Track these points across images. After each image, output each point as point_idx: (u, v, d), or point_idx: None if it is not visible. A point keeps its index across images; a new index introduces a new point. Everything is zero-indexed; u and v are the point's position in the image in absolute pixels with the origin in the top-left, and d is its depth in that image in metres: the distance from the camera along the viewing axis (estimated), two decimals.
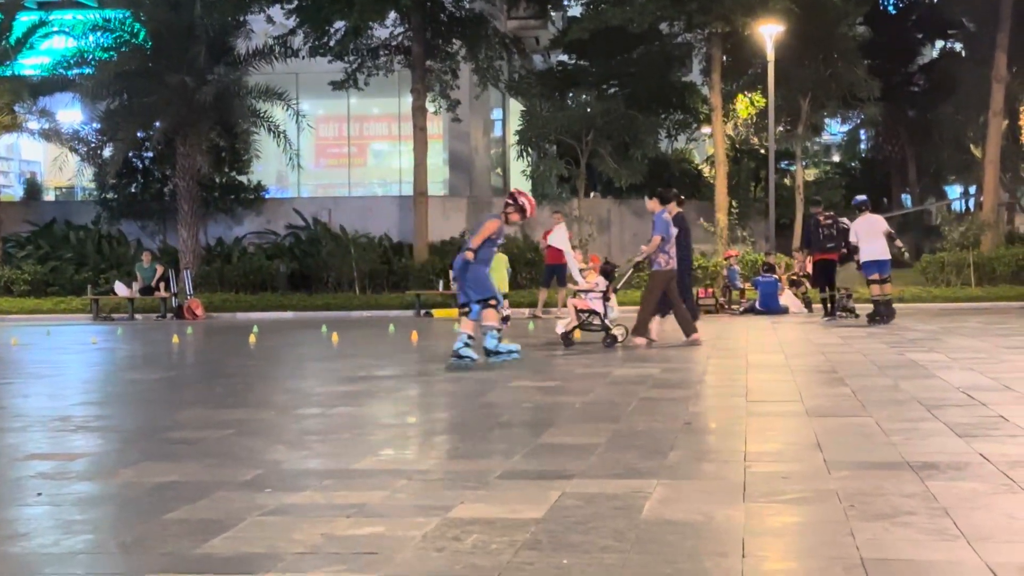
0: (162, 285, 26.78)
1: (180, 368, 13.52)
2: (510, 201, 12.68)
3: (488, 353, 12.10)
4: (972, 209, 41.04)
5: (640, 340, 14.58)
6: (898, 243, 19.29)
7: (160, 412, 8.98)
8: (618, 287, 15.59)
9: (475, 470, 5.93)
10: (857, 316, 19.98)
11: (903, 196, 44.06)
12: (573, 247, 16.72)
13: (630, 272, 16.24)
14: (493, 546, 4.34)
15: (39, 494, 5.55)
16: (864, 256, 18.48)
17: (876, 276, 18.41)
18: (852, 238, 18.76)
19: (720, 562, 4.07)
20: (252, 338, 17.21)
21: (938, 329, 16.98)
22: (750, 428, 7.26)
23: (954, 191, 48.81)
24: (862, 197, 19.29)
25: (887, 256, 18.51)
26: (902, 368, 11.05)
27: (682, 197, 16.07)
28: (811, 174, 40.06)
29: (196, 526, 4.77)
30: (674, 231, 14.64)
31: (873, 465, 5.88)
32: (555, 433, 7.19)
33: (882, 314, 18.46)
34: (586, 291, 14.92)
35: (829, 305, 20.04)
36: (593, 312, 14.74)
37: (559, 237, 17.88)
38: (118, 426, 8.29)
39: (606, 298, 14.81)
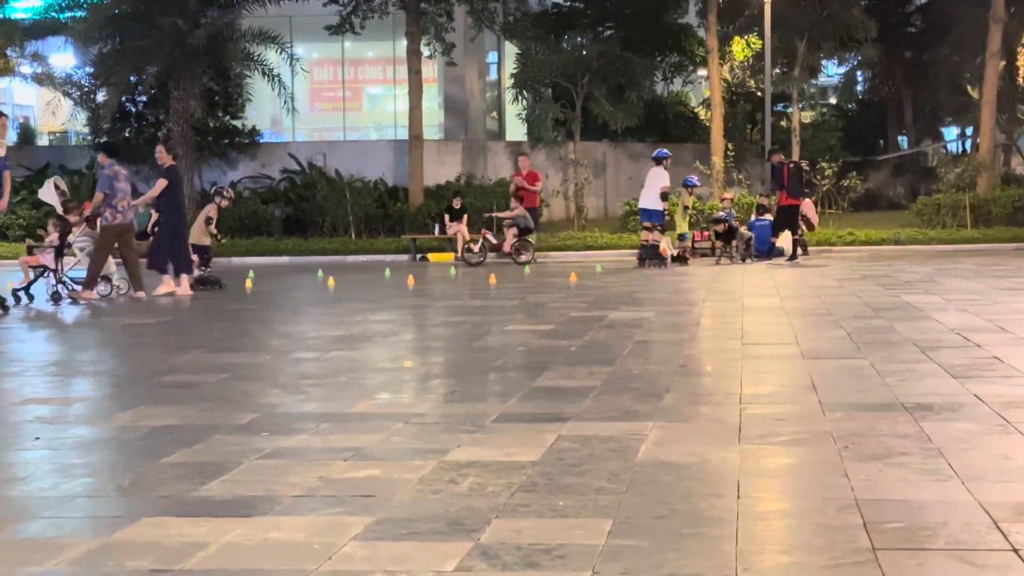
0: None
1: (176, 312, 13.51)
2: None
3: None
4: (968, 150, 40.87)
5: (89, 294, 14.82)
6: (665, 205, 20.42)
7: (156, 357, 8.98)
8: (70, 245, 15.31)
9: (471, 413, 5.95)
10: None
11: (899, 137, 43.86)
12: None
13: (83, 233, 15.43)
14: (489, 488, 4.37)
15: (37, 438, 5.57)
16: (645, 204, 20.14)
17: (650, 224, 19.96)
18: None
19: (715, 503, 4.09)
20: (248, 283, 17.20)
21: (933, 271, 16.99)
22: (745, 370, 7.28)
23: (950, 132, 48.56)
24: (664, 151, 20.84)
25: (659, 208, 20.09)
26: (897, 310, 11.07)
27: (177, 152, 15.98)
28: (807, 116, 39.80)
29: (193, 469, 4.80)
30: (123, 186, 15.15)
31: (867, 406, 5.91)
32: (551, 376, 7.21)
33: (652, 258, 19.86)
34: (41, 247, 15.01)
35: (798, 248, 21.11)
36: (46, 268, 14.79)
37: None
38: (114, 370, 8.30)
39: (60, 254, 14.80)
